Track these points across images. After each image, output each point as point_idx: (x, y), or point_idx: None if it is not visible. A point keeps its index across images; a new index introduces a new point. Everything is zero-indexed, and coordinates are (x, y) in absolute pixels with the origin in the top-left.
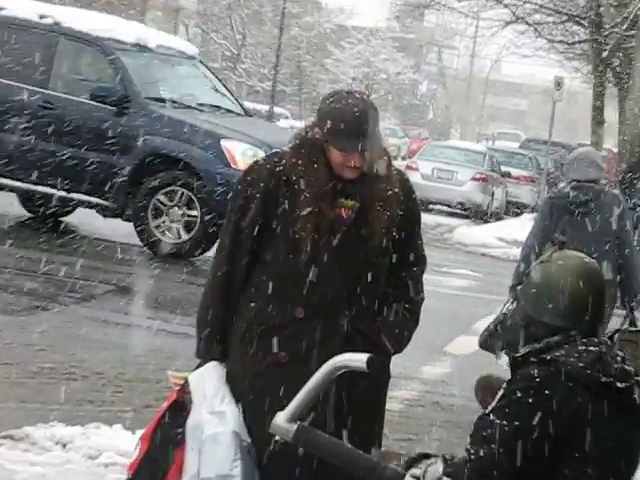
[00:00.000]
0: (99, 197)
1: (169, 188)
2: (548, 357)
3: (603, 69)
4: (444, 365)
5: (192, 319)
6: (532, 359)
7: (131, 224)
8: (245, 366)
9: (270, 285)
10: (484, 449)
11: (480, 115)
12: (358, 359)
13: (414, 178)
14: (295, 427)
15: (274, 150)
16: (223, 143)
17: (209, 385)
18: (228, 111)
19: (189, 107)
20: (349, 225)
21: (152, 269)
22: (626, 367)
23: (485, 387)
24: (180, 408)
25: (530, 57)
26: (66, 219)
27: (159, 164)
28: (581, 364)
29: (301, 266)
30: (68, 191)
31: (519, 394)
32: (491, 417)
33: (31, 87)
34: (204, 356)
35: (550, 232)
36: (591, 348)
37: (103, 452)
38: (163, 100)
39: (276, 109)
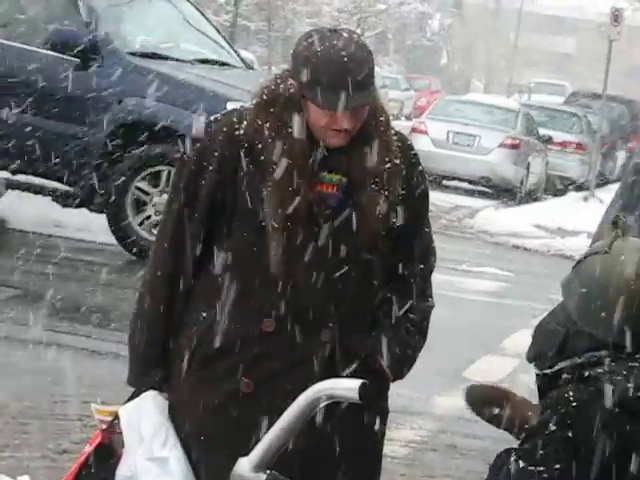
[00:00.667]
0: (58, 180)
1: (152, 169)
2: (586, 374)
3: None
4: (463, 396)
5: (124, 334)
6: (566, 376)
7: (97, 216)
8: (195, 397)
9: (228, 289)
10: None
11: (511, 60)
12: (347, 387)
13: (422, 144)
14: (264, 478)
15: (231, 107)
16: (230, 106)
17: (146, 422)
18: (224, 63)
19: (176, 58)
20: (334, 209)
21: (74, 268)
22: None
23: (480, 399)
24: (108, 453)
25: None
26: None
27: (141, 136)
28: (630, 384)
29: (271, 264)
30: (14, 172)
31: (553, 427)
32: (521, 464)
33: None
34: (139, 384)
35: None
36: None
37: None
38: (141, 48)
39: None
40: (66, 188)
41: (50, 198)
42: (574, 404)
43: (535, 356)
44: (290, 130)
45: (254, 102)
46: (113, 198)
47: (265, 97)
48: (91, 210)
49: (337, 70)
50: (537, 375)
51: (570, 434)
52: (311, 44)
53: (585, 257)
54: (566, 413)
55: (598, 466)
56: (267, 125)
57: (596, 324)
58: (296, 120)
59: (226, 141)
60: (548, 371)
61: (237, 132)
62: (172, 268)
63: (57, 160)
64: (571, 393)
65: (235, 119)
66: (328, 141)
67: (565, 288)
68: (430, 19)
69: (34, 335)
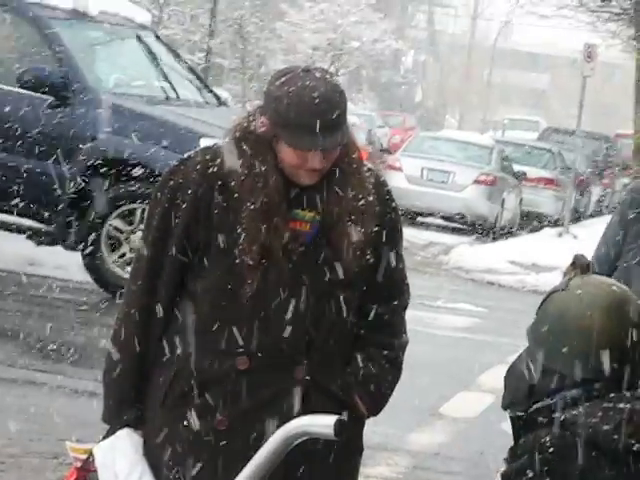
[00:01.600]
0: (32, 218)
1: (126, 207)
2: (562, 417)
3: None
4: (439, 432)
5: (99, 372)
6: (540, 419)
7: (72, 253)
8: (169, 434)
9: (202, 327)
10: None
11: (485, 96)
12: (323, 423)
13: (396, 181)
14: None
15: (204, 145)
16: (204, 143)
17: (121, 460)
18: (197, 101)
19: (150, 96)
20: (308, 246)
21: (50, 306)
22: None
23: None
24: None
25: (551, 18)
26: None
27: (115, 174)
28: (606, 427)
29: (244, 301)
30: None
31: (531, 473)
32: None
33: None
34: (114, 421)
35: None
36: (620, 405)
37: None
38: (116, 86)
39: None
40: (40, 226)
41: (25, 236)
42: (551, 450)
43: (510, 402)
44: (264, 168)
45: (227, 140)
46: (88, 236)
47: (237, 134)
48: (65, 248)
49: (308, 112)
50: (511, 419)
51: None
52: (283, 84)
53: (547, 297)
54: (544, 459)
55: None
56: (240, 162)
57: (560, 361)
58: (267, 158)
59: (200, 178)
60: (520, 414)
61: (210, 169)
62: (146, 305)
63: (31, 197)
64: (548, 438)
65: (208, 157)
66: (300, 180)
67: (530, 330)
68: (404, 56)
69: (10, 373)
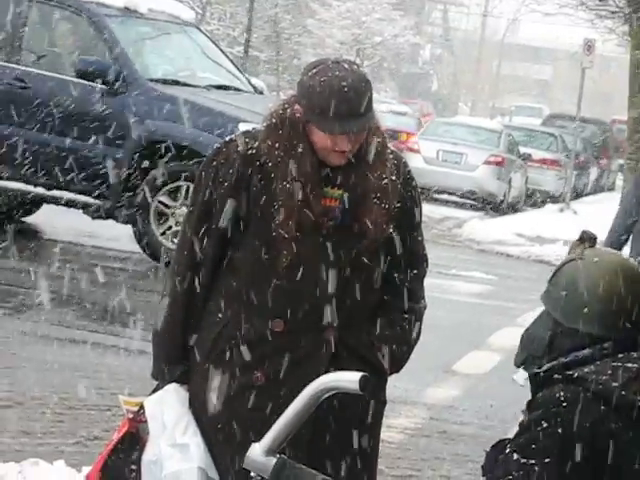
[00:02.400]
0: (88, 195)
1: (172, 185)
2: (575, 374)
3: None
4: (453, 387)
5: (148, 333)
6: (556, 376)
7: (124, 227)
8: (211, 389)
9: (242, 292)
10: None
11: (494, 86)
12: (349, 379)
13: (415, 162)
14: (274, 461)
15: (243, 129)
16: (243, 128)
17: (169, 412)
18: (237, 89)
19: (193, 85)
20: (337, 220)
21: (104, 274)
22: None
23: None
24: (134, 440)
25: (554, 15)
26: (28, 219)
27: (162, 155)
28: (615, 383)
29: (280, 270)
30: (49, 188)
31: (545, 423)
32: (515, 456)
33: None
34: (162, 377)
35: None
36: (628, 364)
37: None
38: (163, 76)
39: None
40: (96, 202)
41: (82, 211)
42: (564, 404)
43: (524, 360)
44: (299, 150)
45: (264, 124)
46: (138, 211)
47: (274, 120)
48: (118, 221)
49: (338, 99)
50: (530, 375)
51: (560, 431)
52: (315, 74)
53: (561, 266)
54: (557, 412)
55: (586, 462)
56: (277, 145)
57: (581, 320)
58: (302, 142)
59: (240, 159)
60: (538, 371)
61: (250, 152)
62: (192, 274)
63: (88, 176)
64: (561, 393)
65: (247, 140)
66: (330, 160)
67: (546, 295)
68: (422, 49)
69: (68, 334)
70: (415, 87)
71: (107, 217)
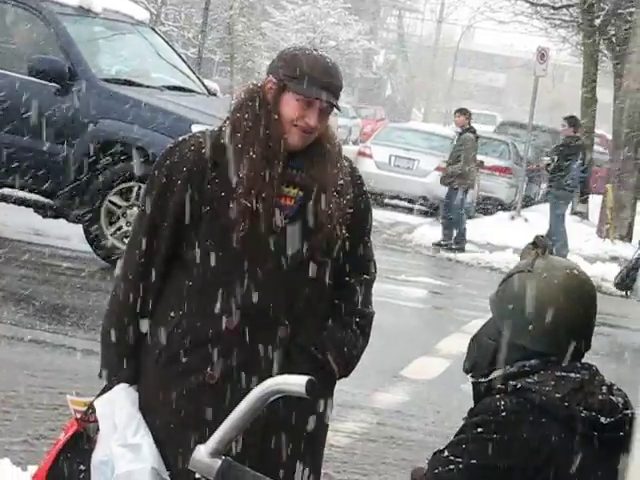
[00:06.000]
0: (39, 194)
1: (124, 185)
2: (518, 385)
3: (596, 39)
4: (400, 392)
5: (97, 333)
6: (499, 386)
7: (74, 226)
8: (163, 389)
9: (194, 291)
10: None
11: (448, 92)
12: (295, 382)
13: (367, 166)
14: (219, 463)
15: (196, 129)
16: (195, 129)
17: (120, 413)
18: (190, 90)
19: (147, 85)
20: (291, 218)
21: (54, 273)
22: (613, 398)
23: None
24: (83, 440)
25: (508, 23)
26: None
27: (113, 155)
28: (557, 394)
29: (232, 267)
30: (0, 186)
31: (479, 429)
32: (445, 453)
33: None
34: (111, 378)
35: None
36: (571, 375)
37: None
38: (116, 76)
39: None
40: (46, 201)
41: (32, 210)
42: (503, 413)
43: (471, 367)
44: (267, 121)
45: (233, 101)
46: (89, 210)
47: (243, 95)
48: (69, 220)
49: (322, 69)
50: (473, 383)
51: (493, 437)
52: (299, 49)
53: (510, 275)
54: (494, 420)
55: (517, 472)
56: (246, 116)
57: (526, 337)
58: (272, 114)
59: (193, 159)
60: (482, 380)
61: (203, 150)
62: (142, 273)
63: (38, 175)
64: (502, 402)
65: (201, 139)
66: (292, 138)
67: (493, 304)
68: (376, 55)
69: (15, 332)
70: (369, 92)
71: (58, 216)
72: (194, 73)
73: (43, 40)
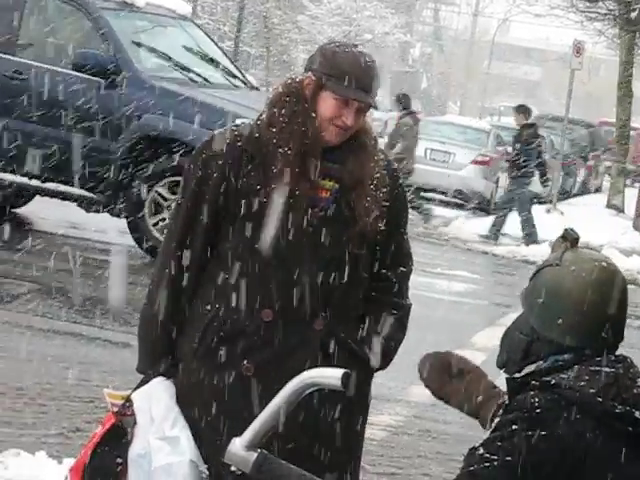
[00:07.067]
0: (83, 188)
1: (171, 178)
2: (552, 381)
3: (632, 32)
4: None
5: (134, 326)
6: (533, 382)
7: (110, 219)
8: (200, 382)
9: (230, 283)
10: None
11: (484, 86)
12: (332, 375)
13: None
14: (254, 456)
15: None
16: (238, 122)
17: (157, 406)
18: (232, 84)
19: (190, 79)
20: (327, 211)
21: (92, 267)
22: None
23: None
24: (120, 433)
25: (544, 17)
26: (19, 210)
27: (158, 149)
28: (592, 390)
29: (268, 260)
30: (44, 180)
31: (514, 426)
32: (481, 450)
33: None
34: (148, 371)
35: None
36: (605, 369)
37: None
38: (159, 70)
39: None
40: (91, 195)
41: (75, 204)
42: (537, 410)
43: (504, 362)
44: (304, 117)
45: (270, 96)
46: (133, 204)
47: (280, 89)
48: (112, 215)
49: (361, 69)
50: (507, 379)
51: (528, 434)
52: (339, 46)
53: (540, 269)
54: (529, 417)
55: (553, 469)
56: (283, 111)
57: (555, 331)
58: (309, 111)
59: (229, 151)
60: (516, 375)
61: (239, 143)
62: (179, 266)
63: (83, 169)
64: (536, 399)
65: (237, 132)
66: (328, 135)
67: (524, 299)
68: (412, 48)
69: (52, 325)
70: (405, 85)
71: (102, 210)
72: (236, 67)
73: (87, 35)
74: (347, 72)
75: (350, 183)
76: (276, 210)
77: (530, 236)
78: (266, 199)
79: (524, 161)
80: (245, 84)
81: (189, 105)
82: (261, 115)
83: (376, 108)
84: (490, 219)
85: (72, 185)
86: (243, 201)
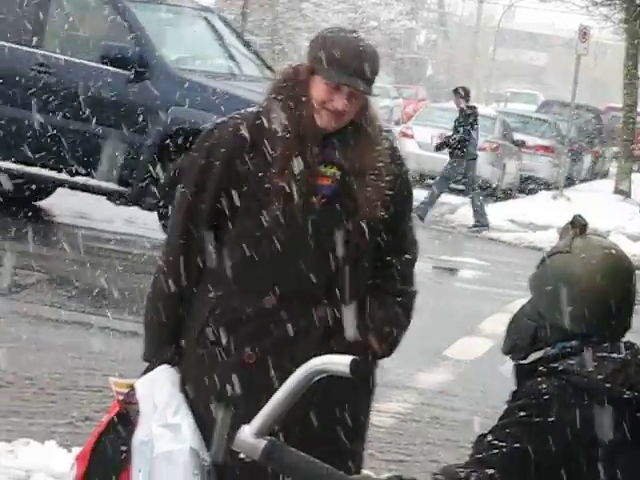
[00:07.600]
0: (112, 181)
1: None
2: (560, 367)
3: (638, 17)
4: (444, 372)
5: (140, 315)
6: (541, 368)
7: (117, 208)
8: (204, 369)
9: (233, 270)
10: (478, 474)
11: (489, 72)
12: (340, 362)
13: (409, 147)
14: (264, 443)
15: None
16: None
17: (160, 393)
18: (257, 75)
19: (215, 71)
20: (329, 198)
21: (97, 256)
22: None
23: None
24: (125, 421)
25: (550, 2)
26: (41, 203)
27: (186, 141)
28: (599, 376)
29: (270, 246)
30: (73, 174)
31: (522, 413)
32: (489, 437)
33: (22, 47)
34: (153, 359)
35: None
36: (613, 355)
37: (33, 473)
38: (185, 62)
39: None
40: (120, 188)
41: (105, 198)
42: (545, 397)
43: (510, 348)
44: (293, 108)
45: (271, 83)
46: (163, 196)
47: (279, 76)
48: (143, 208)
49: (353, 54)
50: (515, 366)
51: (536, 421)
52: (334, 31)
53: (549, 255)
54: (537, 404)
55: (561, 454)
56: (279, 98)
57: (564, 317)
58: (304, 102)
59: (232, 139)
60: (524, 362)
61: (241, 131)
62: (183, 254)
63: (112, 163)
64: (544, 385)
65: (239, 120)
66: (321, 120)
67: (532, 285)
68: (417, 35)
69: (60, 315)
70: (410, 72)
71: (132, 204)
72: (261, 59)
73: (113, 27)
74: (337, 57)
75: (351, 171)
76: (275, 197)
77: (422, 214)
78: (266, 186)
79: (469, 144)
80: (269, 75)
81: (216, 97)
82: (263, 103)
83: (369, 94)
84: (496, 206)
85: (100, 178)
86: (245, 188)
